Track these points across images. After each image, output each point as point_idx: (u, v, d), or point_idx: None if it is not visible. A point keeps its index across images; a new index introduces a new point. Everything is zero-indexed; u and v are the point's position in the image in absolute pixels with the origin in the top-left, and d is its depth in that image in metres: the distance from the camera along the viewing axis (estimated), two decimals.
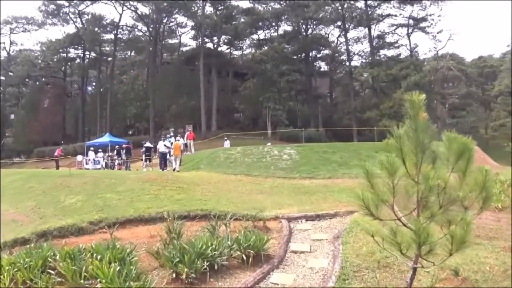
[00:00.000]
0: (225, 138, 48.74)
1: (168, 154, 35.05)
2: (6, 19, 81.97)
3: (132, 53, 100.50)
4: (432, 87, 69.02)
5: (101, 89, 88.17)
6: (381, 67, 70.95)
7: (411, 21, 76.38)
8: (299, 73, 79.07)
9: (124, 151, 44.23)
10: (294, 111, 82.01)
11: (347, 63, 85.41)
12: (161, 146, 34.44)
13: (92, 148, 51.60)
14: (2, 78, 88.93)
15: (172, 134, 48.59)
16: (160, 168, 33.35)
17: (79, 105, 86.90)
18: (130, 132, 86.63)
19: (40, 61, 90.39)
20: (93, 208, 17.29)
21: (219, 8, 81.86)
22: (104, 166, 46.91)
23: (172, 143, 36.69)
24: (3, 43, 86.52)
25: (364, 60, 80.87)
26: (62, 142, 61.84)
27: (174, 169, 32.60)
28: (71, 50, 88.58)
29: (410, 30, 77.58)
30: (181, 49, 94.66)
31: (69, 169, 26.95)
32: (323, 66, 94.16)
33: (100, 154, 49.34)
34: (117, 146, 48.35)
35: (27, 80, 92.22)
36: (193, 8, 79.16)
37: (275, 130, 68.81)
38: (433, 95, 68.58)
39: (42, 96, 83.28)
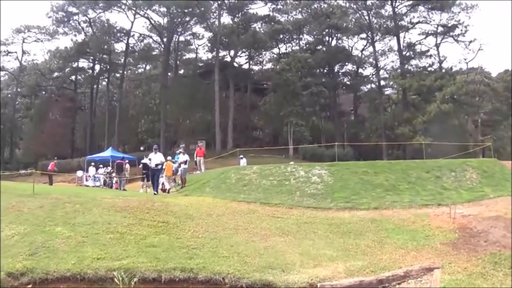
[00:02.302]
0: (241, 156, 42.32)
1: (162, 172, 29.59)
2: (18, 28, 79.61)
3: (148, 67, 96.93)
4: (458, 101, 62.90)
5: (112, 102, 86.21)
6: (414, 78, 65.52)
7: (440, 29, 70.93)
8: (323, 86, 73.48)
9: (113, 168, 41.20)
10: (317, 127, 76.91)
11: (374, 77, 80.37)
12: (152, 160, 27.16)
13: (92, 164, 48.24)
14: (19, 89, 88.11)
15: (181, 150, 42.86)
16: (154, 189, 26.47)
17: (89, 118, 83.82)
18: (142, 148, 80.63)
19: (49, 71, 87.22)
20: (27, 248, 12.37)
21: (236, 15, 77.38)
22: (103, 184, 43.09)
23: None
24: (15, 52, 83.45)
25: (394, 72, 74.83)
26: (56, 157, 57.27)
27: (167, 190, 29.16)
28: (82, 60, 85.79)
29: (439, 40, 72.20)
30: (197, 63, 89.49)
31: (33, 185, 20.71)
32: (347, 82, 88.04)
33: (101, 170, 45.57)
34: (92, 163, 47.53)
35: (43, 92, 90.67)
36: (208, 16, 75.39)
37: (298, 145, 63.31)
38: (470, 108, 62.48)
39: (51, 107, 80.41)
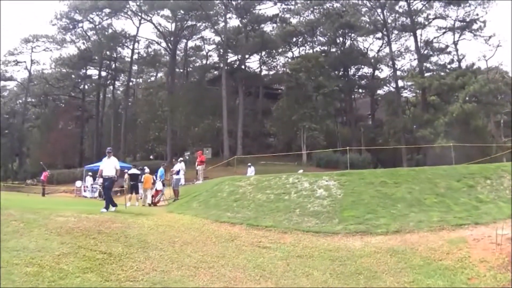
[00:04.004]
0: (249, 164, 40.47)
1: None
2: (26, 38, 79.06)
3: (159, 74, 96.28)
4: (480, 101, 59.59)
5: (120, 110, 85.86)
6: (434, 77, 62.27)
7: (458, 24, 67.40)
8: (338, 88, 71.51)
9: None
10: (333, 132, 74.28)
11: (391, 78, 77.86)
12: (104, 167, 20.17)
13: (90, 173, 45.77)
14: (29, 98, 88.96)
15: (182, 158, 40.02)
16: (106, 205, 19.42)
17: (96, 126, 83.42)
18: (151, 157, 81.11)
19: (56, 80, 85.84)
20: None
21: (244, 16, 73.86)
22: (98, 195, 40.80)
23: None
24: (24, 62, 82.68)
25: (412, 71, 71.19)
26: (47, 167, 55.05)
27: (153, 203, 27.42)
28: (89, 68, 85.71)
29: (457, 37, 68.42)
30: (207, 69, 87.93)
31: None
32: (363, 85, 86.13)
33: (100, 180, 41.66)
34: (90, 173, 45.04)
35: (53, 101, 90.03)
36: (215, 19, 73.52)
37: (311, 151, 60.17)
38: (493, 107, 59.06)
39: (59, 117, 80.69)
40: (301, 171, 31.84)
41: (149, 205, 27.26)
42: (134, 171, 29.85)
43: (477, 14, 65.08)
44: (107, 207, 19.12)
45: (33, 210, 16.10)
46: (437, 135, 55.26)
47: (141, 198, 29.23)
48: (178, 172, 29.10)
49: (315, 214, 16.93)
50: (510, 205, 17.56)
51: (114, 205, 19.41)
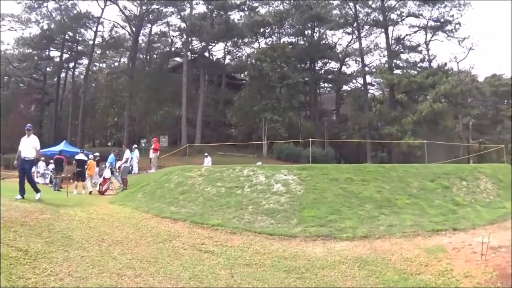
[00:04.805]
0: (206, 154, 38.98)
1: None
2: None
3: (123, 59, 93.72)
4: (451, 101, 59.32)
5: (80, 94, 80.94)
6: (403, 74, 61.58)
7: (431, 23, 67.33)
8: (303, 80, 70.03)
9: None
10: (295, 125, 73.88)
11: (359, 74, 76.30)
12: (22, 147, 17.66)
13: (43, 158, 41.35)
14: None
15: (136, 146, 38.07)
16: (20, 192, 15.93)
17: (55, 110, 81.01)
18: (109, 144, 79.39)
19: (19, 61, 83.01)
20: None
21: (212, 2, 71.54)
22: (49, 182, 37.96)
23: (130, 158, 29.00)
24: None
25: (381, 67, 70.22)
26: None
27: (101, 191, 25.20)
28: (51, 50, 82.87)
29: (430, 36, 68.32)
30: (171, 56, 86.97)
31: None
32: (330, 79, 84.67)
33: (52, 166, 39.19)
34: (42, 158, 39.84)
35: (12, 80, 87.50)
36: (180, 3, 70.83)
37: (272, 143, 57.72)
38: (463, 109, 60.40)
39: (19, 99, 78.09)
40: (259, 163, 30.57)
41: (90, 192, 25.77)
42: (81, 156, 28.22)
43: (452, 16, 65.00)
44: (36, 190, 16.41)
45: None
46: (404, 133, 54.88)
47: (88, 187, 27.48)
48: (127, 160, 27.16)
49: (270, 213, 14.82)
50: (488, 208, 16.45)
51: (37, 191, 16.64)
